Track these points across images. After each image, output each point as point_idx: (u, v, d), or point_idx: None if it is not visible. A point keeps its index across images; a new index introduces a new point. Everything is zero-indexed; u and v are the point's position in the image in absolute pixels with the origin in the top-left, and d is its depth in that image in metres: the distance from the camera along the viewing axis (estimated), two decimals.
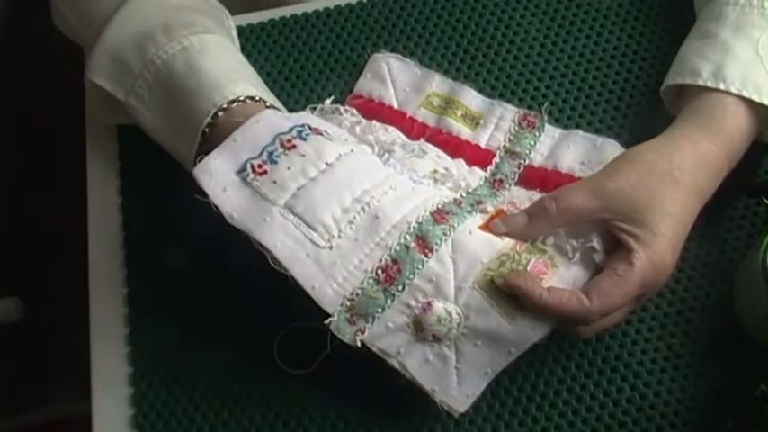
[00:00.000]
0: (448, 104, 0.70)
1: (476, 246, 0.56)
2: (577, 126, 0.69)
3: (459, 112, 0.69)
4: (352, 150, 0.59)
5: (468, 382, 0.55)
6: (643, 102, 0.70)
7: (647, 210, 0.55)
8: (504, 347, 0.55)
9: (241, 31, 0.75)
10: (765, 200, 0.64)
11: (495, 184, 0.65)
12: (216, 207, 0.57)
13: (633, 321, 0.62)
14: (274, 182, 0.57)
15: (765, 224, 0.64)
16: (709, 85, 0.60)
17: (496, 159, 0.67)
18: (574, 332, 0.57)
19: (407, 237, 0.56)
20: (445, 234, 0.56)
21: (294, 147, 0.58)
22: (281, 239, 0.56)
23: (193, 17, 0.66)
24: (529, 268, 0.55)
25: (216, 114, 0.60)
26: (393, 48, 0.74)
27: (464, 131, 0.68)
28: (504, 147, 0.68)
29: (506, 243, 0.57)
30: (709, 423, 0.58)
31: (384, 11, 0.76)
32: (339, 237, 0.56)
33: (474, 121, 0.69)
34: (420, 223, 0.56)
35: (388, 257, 0.56)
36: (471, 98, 0.70)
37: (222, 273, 0.65)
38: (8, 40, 1.05)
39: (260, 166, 0.57)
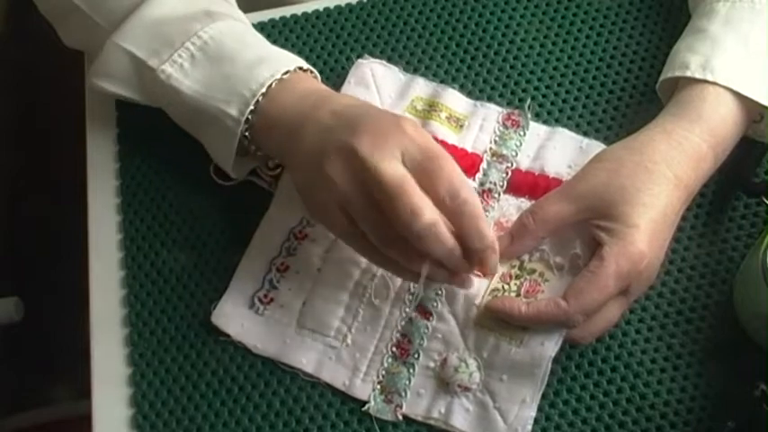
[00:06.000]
0: (432, 107, 0.69)
1: (466, 291, 0.60)
2: (577, 126, 0.69)
3: (444, 115, 0.69)
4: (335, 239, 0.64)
5: (512, 416, 0.58)
6: (642, 101, 0.70)
7: (619, 203, 0.56)
8: (527, 371, 0.58)
9: None
10: (765, 200, 0.64)
11: (485, 195, 0.66)
12: (239, 342, 0.62)
13: (633, 321, 0.62)
14: (282, 306, 0.63)
15: (765, 224, 0.64)
16: (697, 76, 0.60)
17: (483, 165, 0.67)
18: (572, 339, 0.58)
19: (407, 310, 0.62)
20: (438, 294, 0.61)
21: (287, 267, 0.64)
22: (305, 355, 0.61)
23: (230, 8, 0.69)
24: (522, 292, 0.59)
25: (274, 81, 0.62)
26: (393, 47, 0.74)
27: (449, 135, 0.68)
28: (490, 149, 0.68)
29: (494, 277, 0.60)
30: (709, 423, 0.58)
31: (384, 10, 0.76)
32: (351, 332, 0.62)
33: (458, 123, 0.69)
34: (414, 294, 0.61)
35: (398, 334, 0.61)
36: (455, 99, 0.70)
37: (221, 273, 0.65)
38: (8, 40, 1.05)
39: (266, 296, 0.63)
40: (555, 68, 0.72)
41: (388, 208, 0.54)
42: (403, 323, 0.61)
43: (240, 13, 0.70)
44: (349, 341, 0.61)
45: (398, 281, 0.62)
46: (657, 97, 0.66)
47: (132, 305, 0.65)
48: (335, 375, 0.61)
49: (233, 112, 0.61)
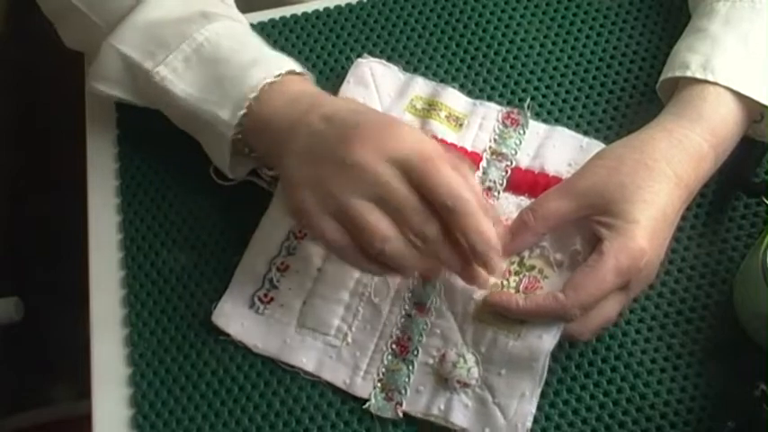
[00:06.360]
0: (431, 106, 0.69)
1: (464, 286, 0.60)
2: (577, 126, 0.69)
3: (443, 114, 0.69)
4: None
5: (512, 411, 0.57)
6: (643, 101, 0.70)
7: (619, 200, 0.56)
8: (525, 365, 0.57)
9: None
10: (765, 200, 0.64)
11: (484, 193, 0.65)
12: (240, 342, 0.63)
13: (633, 321, 0.62)
14: (282, 305, 0.63)
15: (765, 224, 0.64)
16: (698, 76, 0.60)
17: (483, 163, 0.67)
18: (571, 335, 0.58)
19: (407, 308, 0.62)
20: (434, 287, 0.61)
21: (288, 267, 0.64)
22: (305, 354, 0.61)
23: (228, 9, 0.69)
24: (521, 288, 0.59)
25: (266, 84, 0.61)
26: (393, 47, 0.74)
27: (449, 134, 0.68)
28: (489, 148, 0.68)
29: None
30: (709, 423, 0.58)
31: (384, 10, 0.76)
32: (351, 330, 0.62)
33: (458, 121, 0.69)
34: (412, 291, 0.62)
35: (397, 331, 0.61)
36: (454, 98, 0.70)
37: (221, 273, 0.65)
38: (8, 40, 1.05)
39: (266, 295, 0.63)
40: (555, 68, 0.72)
41: (396, 217, 0.54)
42: (402, 320, 0.61)
43: (238, 13, 0.70)
44: (349, 339, 0.61)
45: (398, 279, 0.62)
46: (657, 97, 0.66)
47: (132, 305, 0.65)
48: (336, 374, 0.61)
49: (225, 115, 0.61)
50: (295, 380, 0.62)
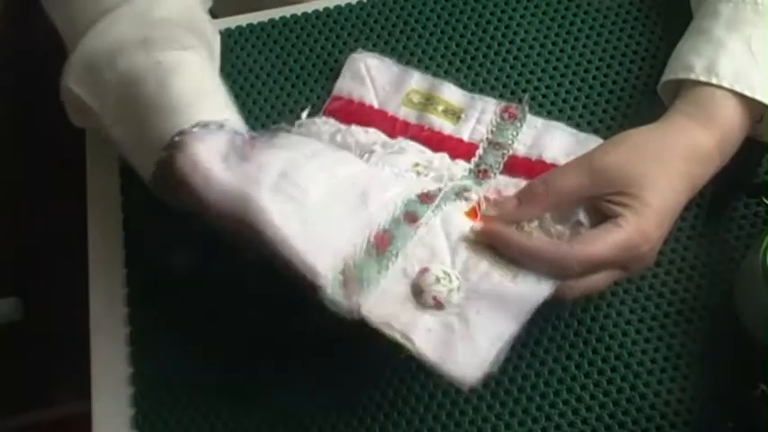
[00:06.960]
0: (428, 100, 0.70)
1: (464, 222, 0.56)
2: (577, 126, 0.69)
3: (440, 107, 0.69)
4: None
5: (477, 350, 0.51)
6: (643, 101, 0.70)
7: (635, 184, 0.55)
8: (510, 309, 0.52)
9: (241, 31, 0.76)
10: (765, 200, 0.64)
11: (480, 174, 0.65)
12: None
13: (633, 321, 0.62)
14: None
15: (765, 224, 0.65)
16: (702, 79, 0.60)
17: (480, 151, 0.67)
18: (558, 293, 0.54)
19: (397, 211, 0.55)
20: (434, 213, 0.56)
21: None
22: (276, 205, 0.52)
23: (174, 32, 0.64)
24: None
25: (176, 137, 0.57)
26: (393, 47, 0.74)
27: (446, 126, 0.68)
28: (486, 139, 0.68)
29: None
30: (709, 423, 0.58)
31: (384, 10, 0.76)
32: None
33: (455, 115, 0.69)
34: (406, 203, 0.56)
35: (380, 229, 0.54)
36: (451, 93, 0.70)
37: (222, 273, 0.65)
38: (8, 41, 1.05)
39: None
40: (554, 68, 0.72)
41: None
42: (389, 219, 0.54)
43: (187, 34, 0.65)
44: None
45: (393, 187, 0.57)
46: (657, 97, 0.66)
47: (133, 304, 0.65)
48: (307, 248, 0.51)
49: (143, 164, 0.60)
50: (295, 379, 0.62)
